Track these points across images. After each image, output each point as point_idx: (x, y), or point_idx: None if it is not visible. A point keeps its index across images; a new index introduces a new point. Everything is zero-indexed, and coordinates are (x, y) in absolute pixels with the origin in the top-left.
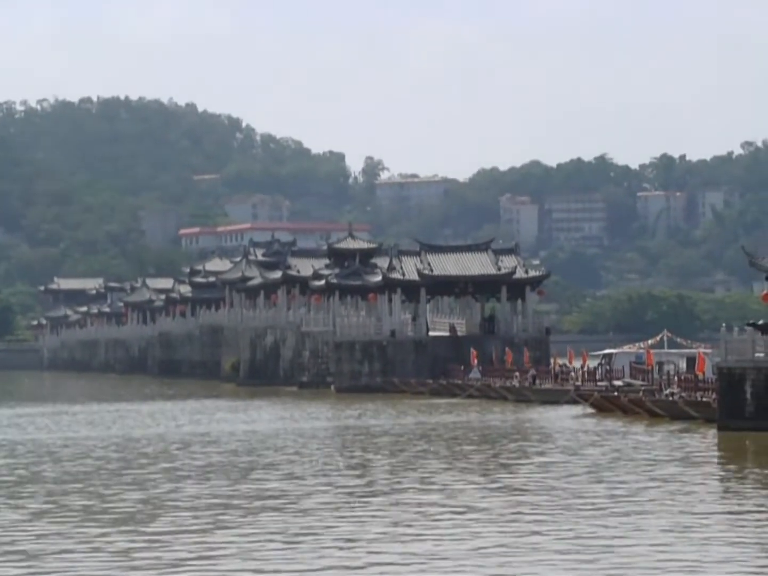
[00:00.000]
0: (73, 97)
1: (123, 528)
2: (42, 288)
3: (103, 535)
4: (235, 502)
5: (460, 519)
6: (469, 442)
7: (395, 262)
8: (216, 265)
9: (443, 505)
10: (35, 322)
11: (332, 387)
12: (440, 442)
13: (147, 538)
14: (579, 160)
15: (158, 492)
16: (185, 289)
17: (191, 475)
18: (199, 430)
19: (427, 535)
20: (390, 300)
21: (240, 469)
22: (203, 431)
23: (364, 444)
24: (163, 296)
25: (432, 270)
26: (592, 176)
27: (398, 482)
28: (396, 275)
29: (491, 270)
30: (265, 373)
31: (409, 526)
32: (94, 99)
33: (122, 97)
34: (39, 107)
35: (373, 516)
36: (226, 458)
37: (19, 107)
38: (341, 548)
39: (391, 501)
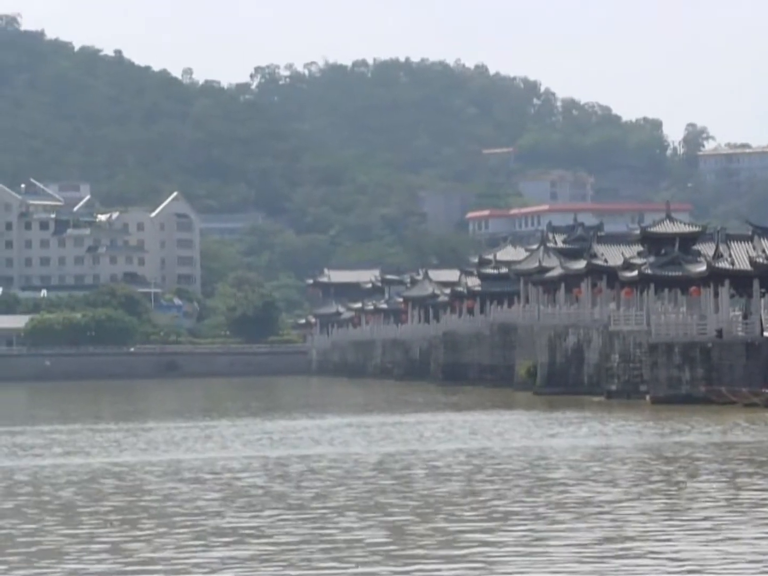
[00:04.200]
0: (346, 60)
1: None
2: (310, 281)
3: None
4: None
5: None
6: None
7: (722, 248)
8: (509, 253)
9: None
10: (302, 321)
11: (647, 397)
12: None
13: None
14: None
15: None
16: (473, 282)
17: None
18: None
19: None
20: (716, 294)
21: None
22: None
23: None
24: (447, 290)
25: None
26: None
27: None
28: (723, 264)
29: None
30: (565, 380)
31: None
32: (370, 62)
33: (401, 59)
34: (306, 72)
35: None
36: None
37: (284, 72)
38: None
39: None
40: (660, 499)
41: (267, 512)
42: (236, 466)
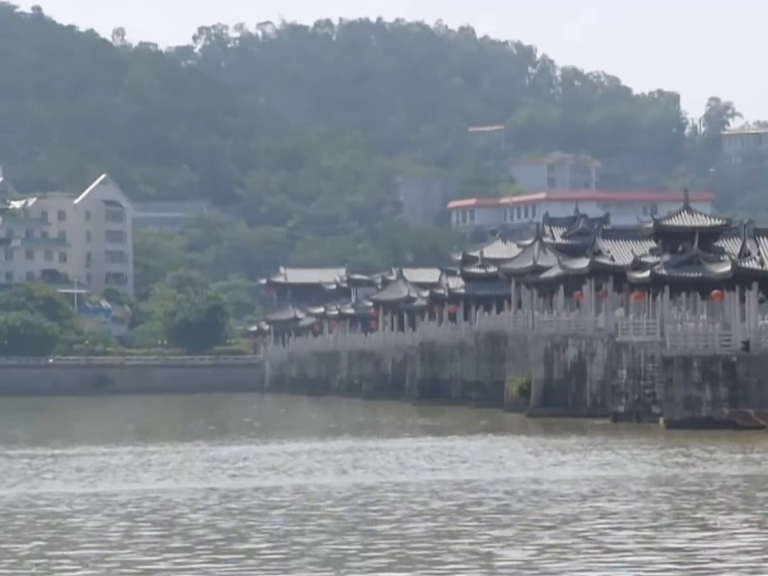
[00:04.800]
0: (307, 20)
1: None
2: (263, 281)
3: None
4: None
5: None
6: None
7: (750, 245)
8: (498, 250)
9: None
10: (254, 328)
11: (660, 420)
12: None
13: None
14: None
15: None
16: (456, 283)
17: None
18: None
19: None
20: (742, 299)
21: None
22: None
23: None
24: (425, 293)
25: None
26: None
27: None
28: (751, 264)
29: None
30: (564, 400)
31: None
32: (335, 22)
33: (372, 20)
34: (259, 33)
35: None
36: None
37: (233, 33)
38: None
39: None
40: (682, 542)
41: (209, 557)
42: (178, 499)
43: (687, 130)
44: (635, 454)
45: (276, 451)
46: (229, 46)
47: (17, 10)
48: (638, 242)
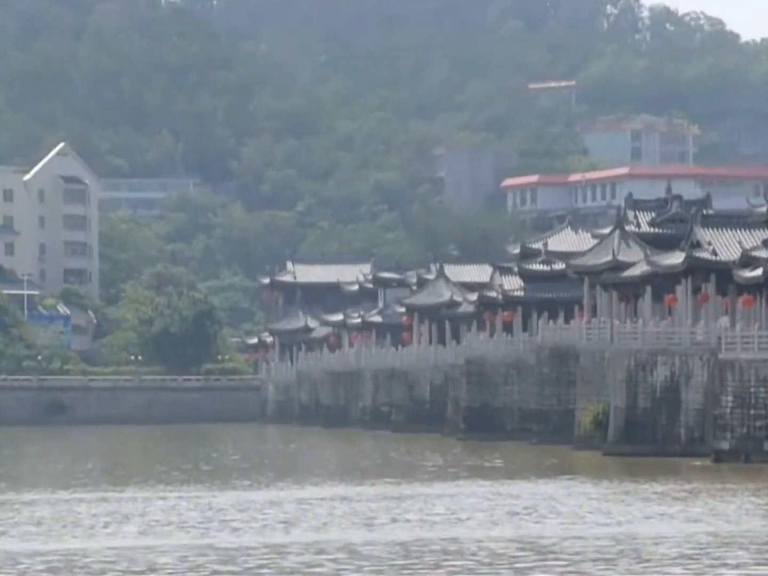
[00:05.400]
0: None
1: None
2: (266, 281)
3: None
4: None
5: None
6: None
7: None
8: (567, 241)
9: None
10: (254, 340)
11: None
12: None
13: None
14: None
15: None
16: (512, 284)
17: None
18: None
19: None
20: None
21: None
22: None
23: None
24: (474, 296)
25: None
26: None
27: None
28: None
29: None
30: (652, 434)
31: None
32: None
33: None
34: None
35: None
36: None
37: None
38: None
39: None
40: None
41: None
42: (166, 559)
43: None
44: (749, 504)
45: (287, 498)
46: None
47: None
48: (748, 231)
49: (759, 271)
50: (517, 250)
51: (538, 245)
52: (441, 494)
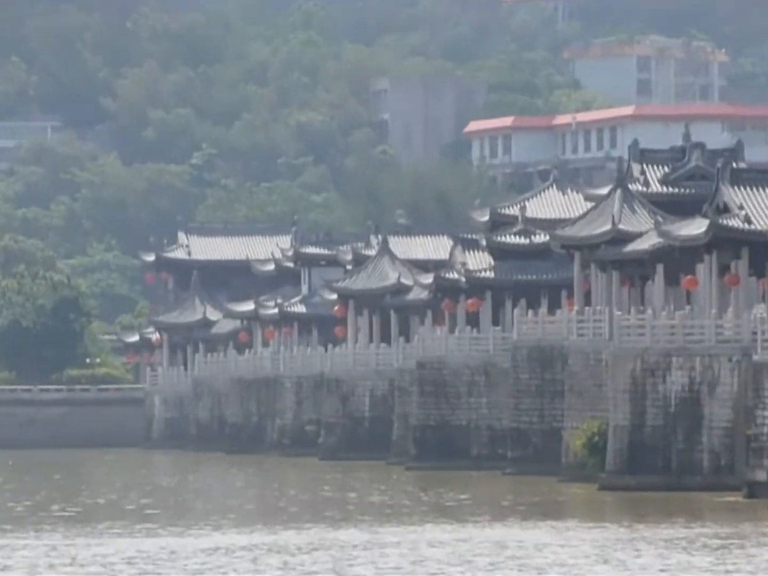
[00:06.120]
0: None
1: None
2: (150, 257)
3: None
4: None
5: None
6: None
7: None
8: (552, 205)
9: None
10: (135, 338)
11: None
12: None
13: None
14: None
15: None
16: (479, 262)
17: None
18: None
19: None
20: None
21: None
22: None
23: None
24: (428, 278)
25: None
26: None
27: None
28: None
29: None
30: (665, 461)
31: None
32: None
33: None
34: None
35: None
36: None
37: None
38: None
39: None
40: None
41: None
42: None
43: None
44: None
45: (186, 547)
46: None
47: None
48: None
49: None
50: (485, 218)
51: (514, 210)
52: (391, 542)
